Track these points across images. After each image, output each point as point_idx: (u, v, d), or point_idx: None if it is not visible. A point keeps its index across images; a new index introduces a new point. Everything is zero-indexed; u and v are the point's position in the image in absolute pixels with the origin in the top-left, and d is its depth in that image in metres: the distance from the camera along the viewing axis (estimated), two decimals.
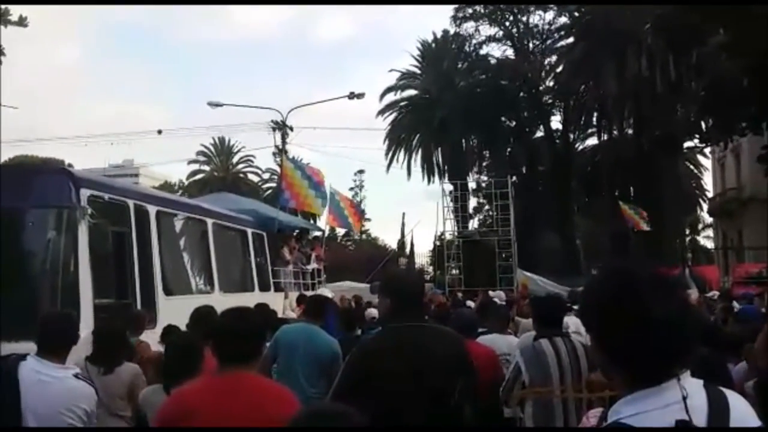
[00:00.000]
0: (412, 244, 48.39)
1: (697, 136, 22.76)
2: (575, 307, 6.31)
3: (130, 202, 7.38)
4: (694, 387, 1.43)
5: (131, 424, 4.47)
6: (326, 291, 12.45)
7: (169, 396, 3.33)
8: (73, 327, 3.80)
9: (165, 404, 2.93)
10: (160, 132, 35.19)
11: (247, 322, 2.86)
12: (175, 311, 7.01)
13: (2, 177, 6.70)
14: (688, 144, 30.73)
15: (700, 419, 1.37)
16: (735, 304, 10.29)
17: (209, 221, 9.77)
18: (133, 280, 7.10)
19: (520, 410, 4.02)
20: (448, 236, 24.23)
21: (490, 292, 14.53)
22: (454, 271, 23.63)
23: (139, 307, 7.02)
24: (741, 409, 1.45)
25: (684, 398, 1.37)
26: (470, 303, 11.87)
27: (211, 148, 54.46)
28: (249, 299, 8.14)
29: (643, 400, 1.40)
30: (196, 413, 2.61)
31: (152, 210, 7.85)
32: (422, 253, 49.33)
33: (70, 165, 8.57)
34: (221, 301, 7.72)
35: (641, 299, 1.43)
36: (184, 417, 2.63)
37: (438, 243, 28.42)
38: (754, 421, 1.45)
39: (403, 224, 50.98)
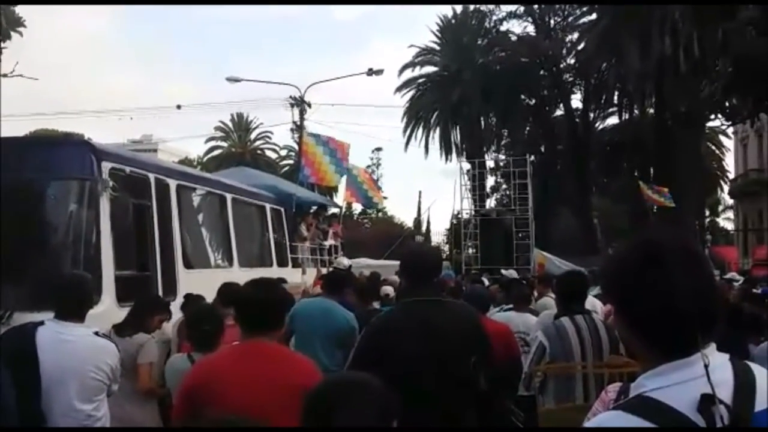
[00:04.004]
0: (428, 222, 48.51)
1: (720, 114, 22.43)
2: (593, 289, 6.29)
3: (151, 176, 7.41)
4: (719, 361, 1.42)
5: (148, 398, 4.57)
6: (344, 260, 12.50)
7: (193, 364, 3.40)
8: (89, 288, 3.85)
9: (189, 373, 2.99)
10: (179, 107, 35.25)
11: (270, 292, 2.91)
12: (194, 284, 7.07)
13: (24, 148, 6.77)
14: (711, 123, 30.32)
15: (725, 394, 1.35)
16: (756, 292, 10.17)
17: (229, 196, 9.80)
18: (154, 253, 7.14)
19: (539, 387, 4.03)
20: (465, 215, 24.17)
21: (503, 271, 14.48)
22: (470, 250, 23.59)
23: (159, 279, 7.09)
24: (767, 386, 1.42)
25: (707, 371, 1.35)
26: (484, 279, 11.89)
27: (230, 124, 54.55)
28: (267, 274, 8.16)
29: (669, 374, 1.39)
30: (221, 380, 2.66)
31: (173, 184, 7.88)
32: (438, 231, 49.33)
33: (89, 139, 8.63)
34: (240, 276, 7.78)
35: (666, 269, 1.41)
36: (208, 383, 2.68)
37: (455, 221, 28.40)
38: None
39: (419, 202, 51.00)
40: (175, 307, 6.11)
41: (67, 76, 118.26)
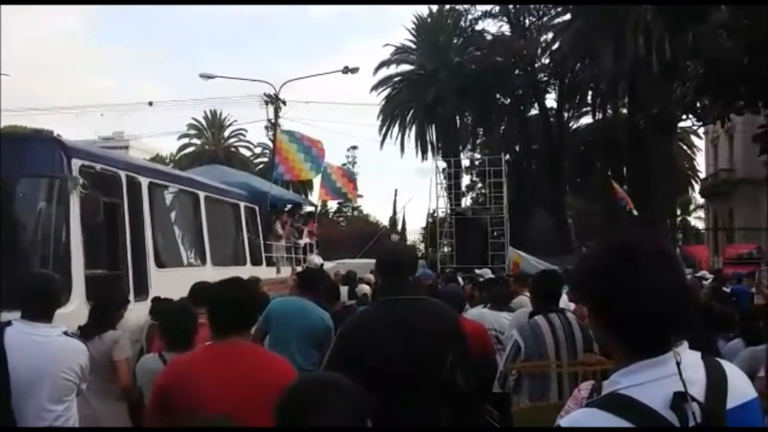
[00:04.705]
0: (404, 221, 48.69)
1: (692, 115, 22.78)
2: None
3: (122, 173, 7.32)
4: (691, 359, 1.43)
5: (118, 396, 4.50)
6: (315, 258, 12.47)
7: (165, 364, 3.37)
8: (57, 288, 3.78)
9: (163, 372, 2.96)
10: (150, 104, 34.96)
11: (241, 290, 2.89)
12: (166, 283, 7.01)
13: None
14: (682, 124, 30.79)
15: (698, 391, 1.37)
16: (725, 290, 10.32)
17: (201, 194, 9.72)
18: (125, 252, 7.06)
19: (512, 385, 4.03)
20: (440, 213, 24.30)
21: (477, 270, 14.56)
22: (446, 249, 23.72)
23: (130, 278, 7.00)
24: (738, 381, 1.45)
25: (679, 369, 1.36)
26: (459, 278, 11.96)
27: (203, 122, 54.10)
28: (241, 273, 8.09)
29: (642, 372, 1.40)
30: (196, 379, 2.63)
31: (144, 181, 7.79)
32: (414, 230, 49.57)
33: (59, 135, 8.42)
34: (213, 275, 7.71)
35: (638, 269, 1.42)
36: (183, 383, 2.66)
37: (430, 220, 28.50)
38: (752, 393, 1.46)
39: (395, 201, 51.06)
40: (147, 306, 6.04)
41: (39, 73, 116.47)
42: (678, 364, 1.36)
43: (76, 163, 6.43)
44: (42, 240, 6.21)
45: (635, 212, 22.03)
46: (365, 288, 8.80)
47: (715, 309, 6.10)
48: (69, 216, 6.21)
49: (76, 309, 5.67)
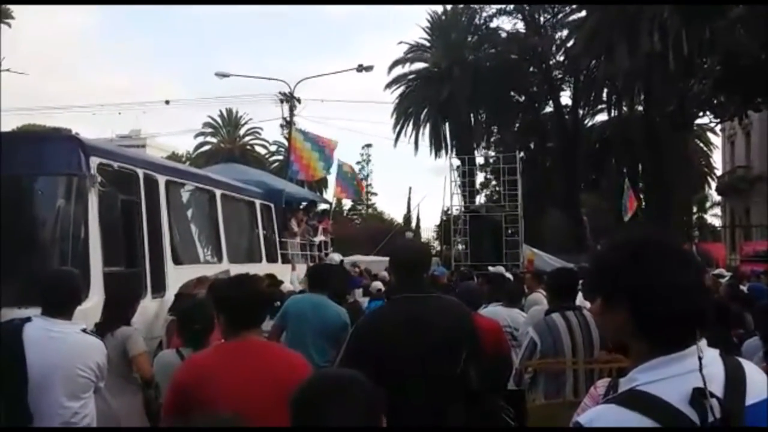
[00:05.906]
0: (418, 219, 48.64)
1: (709, 112, 22.57)
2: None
3: (140, 171, 7.36)
4: (710, 356, 1.43)
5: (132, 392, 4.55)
6: (335, 256, 12.52)
7: (182, 361, 3.40)
8: (77, 284, 3.81)
9: (180, 370, 2.98)
10: (167, 102, 35.15)
11: (247, 288, 2.90)
12: (183, 280, 7.05)
13: (11, 143, 6.70)
14: (699, 121, 30.50)
15: (717, 388, 1.37)
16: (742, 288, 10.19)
17: (218, 192, 9.76)
18: (142, 249, 7.10)
19: (529, 383, 4.03)
20: (454, 211, 24.21)
21: (490, 268, 14.51)
22: (460, 246, 23.62)
23: (148, 275, 7.05)
24: (757, 380, 1.44)
25: (701, 365, 1.36)
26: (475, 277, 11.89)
27: (218, 120, 54.35)
28: (257, 270, 8.15)
29: (661, 368, 1.40)
30: (213, 377, 2.65)
31: (161, 179, 7.84)
32: (428, 227, 49.50)
33: (77, 134, 8.47)
34: (229, 272, 7.76)
35: (653, 266, 1.43)
36: (200, 381, 2.67)
37: (444, 218, 28.41)
38: None
39: (409, 199, 51.06)
40: (164, 303, 6.08)
41: (56, 72, 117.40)
42: (700, 359, 1.37)
43: (95, 161, 6.47)
44: (61, 237, 6.25)
45: (625, 219, 21.91)
46: (379, 284, 8.83)
47: (731, 306, 6.06)
48: (87, 213, 6.25)
49: (94, 306, 5.71)
